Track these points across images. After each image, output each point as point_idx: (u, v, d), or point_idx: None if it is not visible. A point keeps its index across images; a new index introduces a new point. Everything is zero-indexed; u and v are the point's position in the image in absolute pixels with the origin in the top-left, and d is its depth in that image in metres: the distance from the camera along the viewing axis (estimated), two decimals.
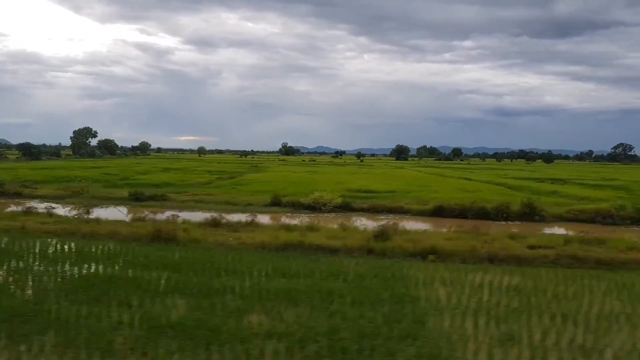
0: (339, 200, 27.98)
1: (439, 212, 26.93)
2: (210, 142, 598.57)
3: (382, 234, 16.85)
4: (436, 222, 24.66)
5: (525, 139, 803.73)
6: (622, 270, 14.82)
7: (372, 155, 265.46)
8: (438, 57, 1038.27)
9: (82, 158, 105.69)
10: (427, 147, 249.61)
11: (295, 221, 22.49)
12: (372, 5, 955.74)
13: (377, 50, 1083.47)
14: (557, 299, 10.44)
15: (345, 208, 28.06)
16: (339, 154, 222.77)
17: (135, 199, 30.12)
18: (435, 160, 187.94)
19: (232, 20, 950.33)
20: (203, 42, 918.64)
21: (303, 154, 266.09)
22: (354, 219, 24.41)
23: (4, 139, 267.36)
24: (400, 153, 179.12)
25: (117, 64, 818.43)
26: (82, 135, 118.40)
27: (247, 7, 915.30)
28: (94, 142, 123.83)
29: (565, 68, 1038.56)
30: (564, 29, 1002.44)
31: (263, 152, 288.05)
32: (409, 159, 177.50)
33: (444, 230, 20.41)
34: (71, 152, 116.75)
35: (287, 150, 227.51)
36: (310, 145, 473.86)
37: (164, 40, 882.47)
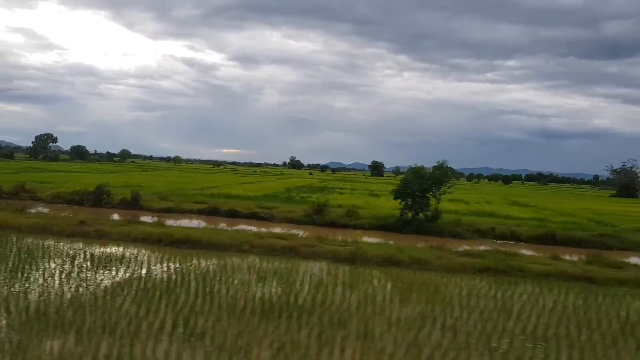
0: None
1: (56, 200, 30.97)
2: (250, 155, 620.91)
3: None
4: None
5: (572, 162, 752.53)
6: None
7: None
8: (480, 77, 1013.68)
9: (35, 160, 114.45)
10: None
11: None
12: (412, 24, 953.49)
13: (417, 69, 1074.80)
14: None
15: None
16: (324, 168, 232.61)
17: None
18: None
19: (274, 38, 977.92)
20: (247, 59, 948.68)
21: (329, 169, 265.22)
22: None
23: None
24: (374, 169, 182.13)
25: (166, 78, 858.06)
26: (43, 140, 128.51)
27: (289, 26, 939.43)
28: (54, 146, 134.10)
29: (616, 90, 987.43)
30: (614, 49, 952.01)
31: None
32: (385, 174, 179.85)
33: None
34: (28, 155, 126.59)
35: (293, 164, 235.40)
36: (347, 161, 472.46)
37: (210, 57, 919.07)
